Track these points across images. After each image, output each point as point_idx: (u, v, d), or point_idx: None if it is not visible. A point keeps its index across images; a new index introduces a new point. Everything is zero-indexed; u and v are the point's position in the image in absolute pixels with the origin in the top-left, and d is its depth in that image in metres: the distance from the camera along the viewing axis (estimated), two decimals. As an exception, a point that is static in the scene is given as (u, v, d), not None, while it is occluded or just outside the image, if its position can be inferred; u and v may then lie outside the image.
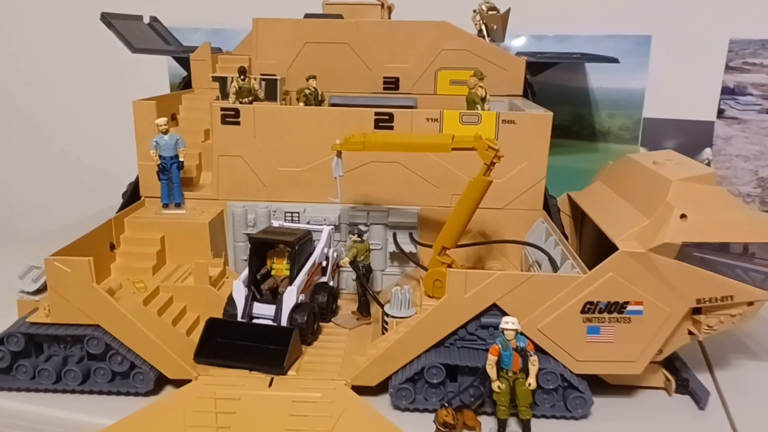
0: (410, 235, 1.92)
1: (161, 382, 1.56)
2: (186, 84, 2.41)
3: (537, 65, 2.41)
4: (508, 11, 2.40)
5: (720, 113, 2.69)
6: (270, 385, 1.51)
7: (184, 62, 2.41)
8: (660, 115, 2.74)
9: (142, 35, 2.45)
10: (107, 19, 2.26)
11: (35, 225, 2.89)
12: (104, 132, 3.22)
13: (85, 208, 2.67)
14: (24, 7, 3.20)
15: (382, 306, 1.70)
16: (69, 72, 3.26)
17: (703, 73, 2.66)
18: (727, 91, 2.67)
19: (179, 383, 1.53)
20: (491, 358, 1.38)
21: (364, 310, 1.84)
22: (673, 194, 1.48)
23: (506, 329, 1.37)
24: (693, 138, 2.73)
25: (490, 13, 2.42)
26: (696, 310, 1.49)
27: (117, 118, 2.85)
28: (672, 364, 1.64)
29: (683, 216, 1.43)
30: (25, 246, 1.94)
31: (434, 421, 1.37)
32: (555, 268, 1.65)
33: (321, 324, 1.78)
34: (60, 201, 3.31)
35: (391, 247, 1.93)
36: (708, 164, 2.74)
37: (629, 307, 1.45)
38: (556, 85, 2.77)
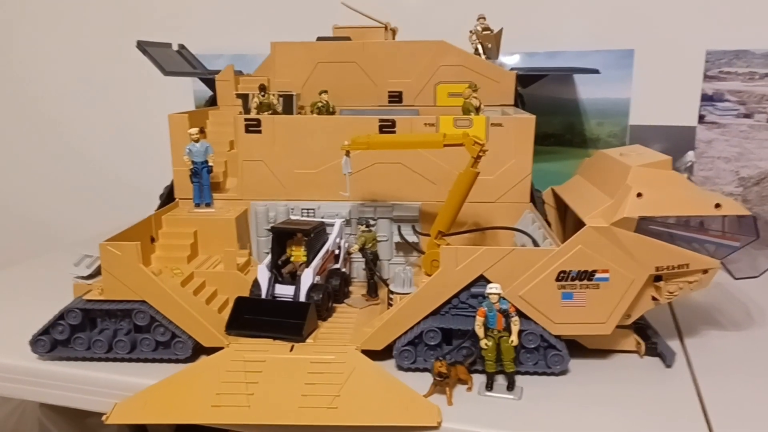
0: (413, 227, 2.16)
1: (197, 352, 1.79)
2: (212, 102, 2.68)
3: (526, 78, 2.65)
4: (500, 31, 2.64)
5: (701, 119, 2.89)
6: (291, 350, 1.75)
7: (210, 83, 2.68)
8: (645, 122, 2.95)
9: (172, 60, 2.72)
10: (142, 46, 2.54)
11: (74, 236, 3.13)
12: (137, 149, 3.51)
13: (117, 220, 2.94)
14: (68, 38, 3.53)
15: (387, 285, 1.94)
16: (104, 96, 3.57)
17: (683, 82, 2.86)
18: (706, 98, 2.87)
19: (213, 353, 1.75)
20: (479, 319, 1.62)
21: (372, 292, 2.08)
22: (631, 178, 1.71)
23: (490, 293, 1.61)
24: (677, 142, 2.93)
25: (484, 33, 2.67)
26: (657, 278, 1.72)
27: (147, 136, 3.16)
28: (644, 331, 1.86)
29: (639, 195, 1.66)
30: (70, 249, 2.18)
31: (430, 372, 1.60)
32: (537, 246, 1.87)
33: (335, 305, 2.02)
34: (95, 213, 3.59)
35: (397, 239, 2.17)
36: (691, 166, 2.95)
37: (597, 275, 1.66)
38: (549, 98, 3.00)
